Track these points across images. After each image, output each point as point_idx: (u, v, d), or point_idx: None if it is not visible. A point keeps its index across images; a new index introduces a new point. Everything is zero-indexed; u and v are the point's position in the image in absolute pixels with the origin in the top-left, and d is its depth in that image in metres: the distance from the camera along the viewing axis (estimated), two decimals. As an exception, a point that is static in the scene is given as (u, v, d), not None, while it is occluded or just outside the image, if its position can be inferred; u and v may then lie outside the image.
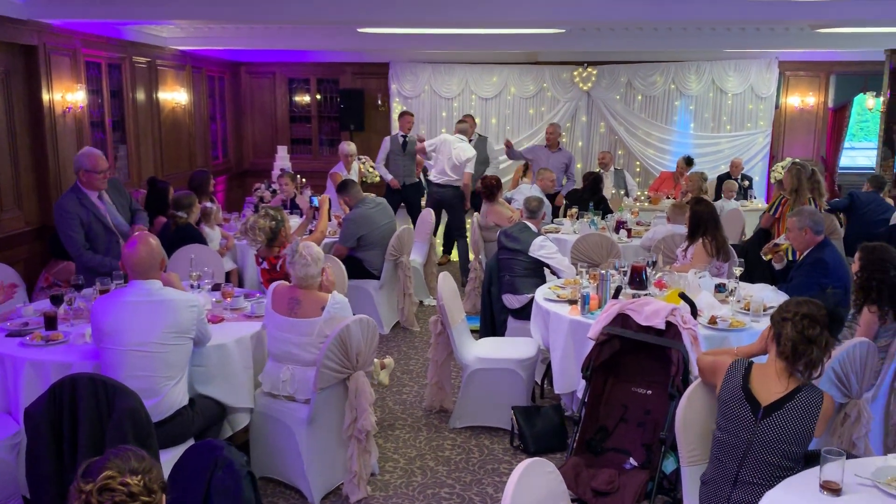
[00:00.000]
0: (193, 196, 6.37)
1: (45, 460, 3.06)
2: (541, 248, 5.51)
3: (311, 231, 6.27)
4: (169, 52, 9.23)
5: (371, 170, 9.61)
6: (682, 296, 4.12)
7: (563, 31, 8.44)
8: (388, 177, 8.99)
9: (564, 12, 6.51)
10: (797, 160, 7.87)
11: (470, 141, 9.01)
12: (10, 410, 3.79)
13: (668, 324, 3.71)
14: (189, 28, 8.87)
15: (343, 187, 6.77)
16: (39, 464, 3.07)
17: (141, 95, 8.57)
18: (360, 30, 8.59)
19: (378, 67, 11.70)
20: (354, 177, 8.66)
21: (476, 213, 7.69)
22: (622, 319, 3.83)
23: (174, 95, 9.44)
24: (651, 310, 3.73)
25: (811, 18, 6.95)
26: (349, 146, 8.75)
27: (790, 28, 8.74)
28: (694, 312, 4.00)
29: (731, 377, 2.97)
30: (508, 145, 9.58)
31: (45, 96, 6.63)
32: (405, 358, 6.26)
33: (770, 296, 4.70)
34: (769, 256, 5.48)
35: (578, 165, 11.40)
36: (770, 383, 2.90)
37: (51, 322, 4.05)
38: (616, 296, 4.47)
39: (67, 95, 6.92)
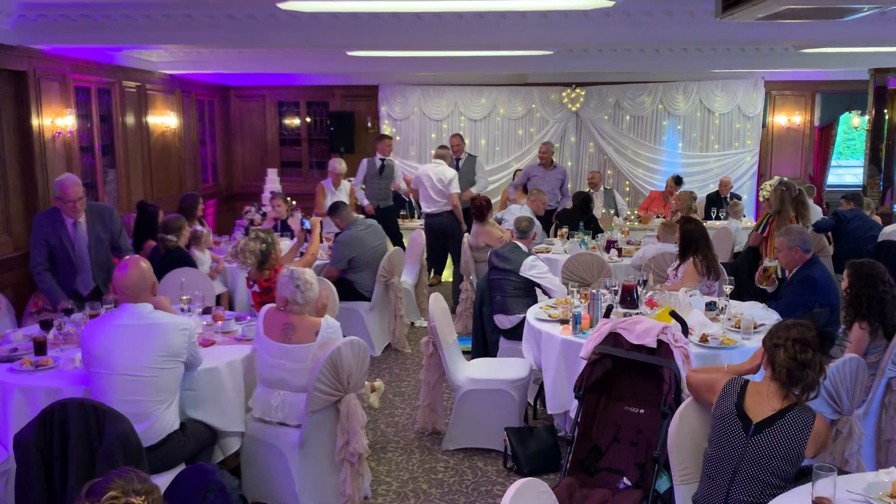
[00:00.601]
0: (183, 219, 6.36)
1: (35, 487, 3.03)
2: (531, 267, 5.52)
3: (302, 254, 6.27)
4: (158, 77, 9.26)
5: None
6: (673, 314, 4.13)
7: (551, 52, 8.53)
8: (365, 202, 9.00)
9: (552, 34, 6.58)
10: (785, 179, 7.93)
11: (458, 160, 9.05)
12: (-2, 437, 3.75)
13: (660, 342, 3.73)
14: (178, 52, 8.91)
15: (334, 209, 6.78)
16: (30, 491, 3.03)
17: (131, 120, 8.58)
18: (349, 53, 8.65)
19: (367, 90, 11.77)
20: (344, 194, 8.65)
21: (466, 234, 7.70)
22: (614, 338, 3.84)
23: (164, 119, 9.46)
24: (642, 328, 3.75)
25: (795, 39, 7.05)
26: (339, 164, 8.75)
27: (775, 48, 8.86)
28: (685, 330, 4.01)
29: (726, 394, 2.99)
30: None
31: (35, 121, 6.63)
32: (397, 380, 6.24)
33: (760, 313, 4.72)
34: (765, 284, 5.48)
35: (569, 185, 11.45)
36: (763, 401, 2.92)
37: (40, 347, 4.02)
38: (607, 315, 4.48)
39: (57, 120, 6.92)
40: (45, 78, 6.79)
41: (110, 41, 6.64)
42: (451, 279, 8.74)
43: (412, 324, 7.62)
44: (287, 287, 3.95)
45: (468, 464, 4.72)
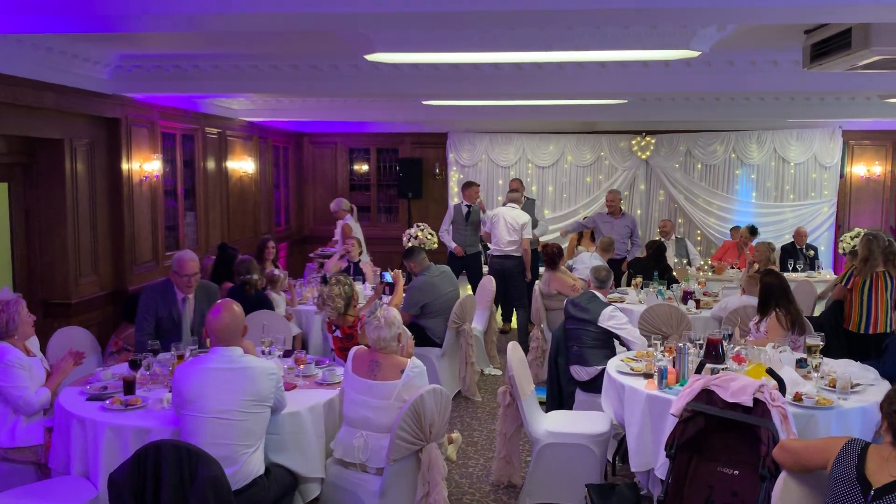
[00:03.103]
0: (254, 261, 6.51)
1: (127, 528, 3.06)
2: (611, 318, 5.41)
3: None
4: (238, 124, 9.58)
5: (430, 237, 9.70)
6: (770, 371, 3.98)
7: (625, 101, 8.50)
8: (452, 245, 9.05)
9: (630, 84, 6.57)
10: (870, 230, 7.66)
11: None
12: (87, 474, 3.80)
13: (756, 400, 3.58)
14: (258, 100, 9.21)
15: (409, 254, 6.85)
16: (122, 532, 3.06)
17: (211, 164, 8.86)
18: (424, 102, 8.78)
19: (436, 137, 11.94)
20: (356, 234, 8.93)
21: (537, 282, 7.63)
22: (706, 395, 3.71)
23: (242, 164, 9.74)
24: (738, 386, 3.61)
25: (882, 89, 6.88)
26: (332, 203, 9.33)
27: (856, 97, 8.65)
28: (783, 389, 3.86)
29: (844, 456, 2.83)
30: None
31: (125, 166, 6.91)
32: (469, 429, 6.16)
33: (857, 372, 4.50)
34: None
35: (640, 233, 11.32)
36: (886, 466, 2.75)
37: (129, 387, 4.10)
38: (699, 371, 4.34)
39: (145, 165, 7.19)
40: (135, 125, 7.09)
41: (200, 90, 6.91)
42: (515, 325, 8.68)
43: (482, 371, 7.54)
44: (370, 325, 4.02)
45: (547, 520, 4.60)
